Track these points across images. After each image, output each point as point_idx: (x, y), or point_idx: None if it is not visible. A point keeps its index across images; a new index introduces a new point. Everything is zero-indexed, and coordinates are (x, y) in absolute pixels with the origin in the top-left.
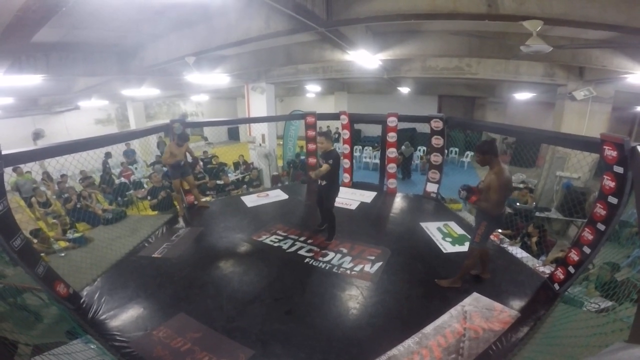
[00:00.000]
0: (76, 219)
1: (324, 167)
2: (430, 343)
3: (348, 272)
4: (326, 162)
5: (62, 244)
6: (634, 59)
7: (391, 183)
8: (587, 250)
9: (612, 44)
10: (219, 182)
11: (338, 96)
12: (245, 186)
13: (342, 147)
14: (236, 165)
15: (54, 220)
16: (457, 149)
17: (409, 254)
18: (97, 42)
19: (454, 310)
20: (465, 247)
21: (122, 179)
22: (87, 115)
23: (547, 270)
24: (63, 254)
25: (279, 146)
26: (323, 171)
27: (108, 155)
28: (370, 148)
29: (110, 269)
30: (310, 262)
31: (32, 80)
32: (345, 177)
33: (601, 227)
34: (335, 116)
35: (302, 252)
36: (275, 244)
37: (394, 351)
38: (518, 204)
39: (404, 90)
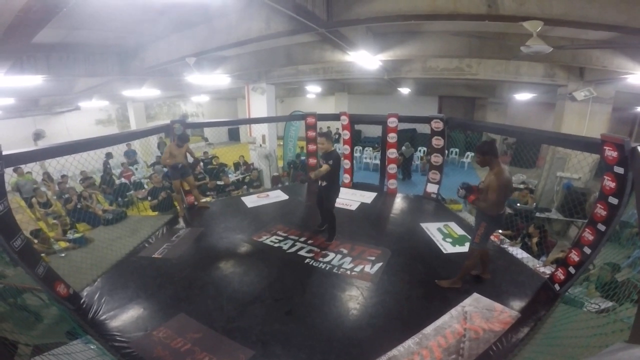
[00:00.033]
0: (76, 220)
1: (323, 167)
2: (431, 343)
3: (348, 272)
4: (326, 163)
5: (63, 244)
6: (634, 60)
7: (391, 184)
8: (587, 250)
9: (612, 45)
10: (219, 182)
11: (338, 97)
12: (245, 187)
13: (342, 148)
14: (236, 165)
15: (55, 221)
16: (457, 150)
17: (409, 255)
18: (97, 43)
19: (454, 311)
20: (465, 248)
21: (123, 180)
22: (87, 116)
23: (547, 270)
24: (63, 255)
25: (279, 147)
26: (323, 171)
27: (109, 155)
28: (371, 149)
29: (111, 270)
30: (310, 263)
31: (32, 80)
32: (346, 178)
33: (602, 227)
34: (336, 117)
35: (302, 252)
36: (276, 245)
37: (394, 352)
38: (518, 204)
39: (405, 90)
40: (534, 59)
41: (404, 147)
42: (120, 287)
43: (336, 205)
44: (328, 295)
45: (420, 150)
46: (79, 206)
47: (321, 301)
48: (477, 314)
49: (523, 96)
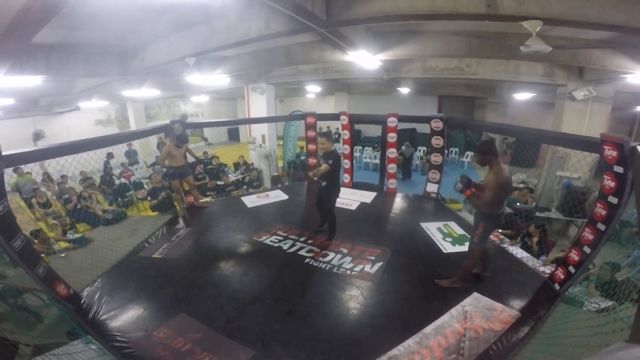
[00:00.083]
0: (76, 220)
1: (323, 166)
2: (431, 343)
3: (348, 272)
4: (326, 162)
5: (63, 244)
6: (634, 59)
7: (391, 183)
8: (587, 250)
9: (612, 44)
10: (219, 182)
11: (338, 97)
12: (245, 187)
13: (342, 148)
14: (236, 165)
15: (54, 221)
16: (457, 149)
17: (409, 254)
18: (97, 43)
19: (455, 310)
20: (465, 247)
21: (122, 180)
22: (87, 116)
23: (547, 270)
24: (63, 255)
25: (279, 147)
26: (322, 170)
27: (110, 155)
28: (371, 148)
29: (111, 270)
30: (310, 263)
31: (32, 81)
32: (346, 178)
33: (601, 226)
34: (335, 117)
35: (302, 252)
36: (276, 245)
37: (395, 351)
38: (518, 204)
39: (404, 90)
40: (534, 59)
41: (403, 147)
42: (120, 287)
43: (336, 205)
44: (328, 295)
45: (420, 150)
46: (78, 206)
47: (321, 301)
48: (477, 314)
49: (523, 96)
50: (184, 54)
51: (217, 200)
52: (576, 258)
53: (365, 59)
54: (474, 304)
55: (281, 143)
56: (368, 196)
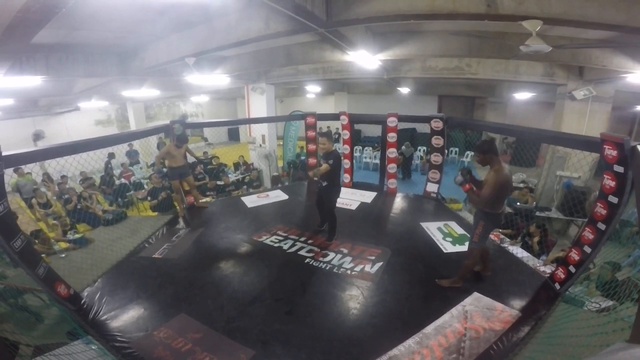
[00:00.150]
0: (76, 220)
1: (323, 166)
2: (431, 343)
3: (348, 272)
4: (326, 162)
5: (63, 244)
6: (634, 59)
7: (391, 183)
8: (587, 249)
9: (611, 44)
10: (219, 182)
11: (338, 96)
12: (245, 187)
13: (342, 148)
14: (236, 165)
15: (55, 221)
16: (457, 149)
17: (410, 254)
18: (97, 43)
19: (455, 310)
20: (465, 247)
21: (122, 180)
22: (87, 116)
23: (547, 269)
24: (63, 255)
25: (279, 147)
26: (322, 170)
27: (111, 156)
28: (371, 148)
29: (111, 270)
30: (310, 263)
31: (32, 81)
32: (346, 178)
33: (602, 226)
34: (335, 116)
35: (302, 252)
36: (276, 245)
37: (395, 351)
38: (518, 203)
39: (404, 90)
40: (534, 58)
41: (403, 147)
42: (120, 287)
43: (336, 205)
44: (328, 295)
45: (420, 150)
46: (78, 207)
47: (321, 301)
48: (478, 313)
49: (523, 95)
50: (183, 54)
51: (217, 201)
52: (576, 258)
53: (365, 58)
54: (475, 303)
55: (281, 143)
56: (368, 196)
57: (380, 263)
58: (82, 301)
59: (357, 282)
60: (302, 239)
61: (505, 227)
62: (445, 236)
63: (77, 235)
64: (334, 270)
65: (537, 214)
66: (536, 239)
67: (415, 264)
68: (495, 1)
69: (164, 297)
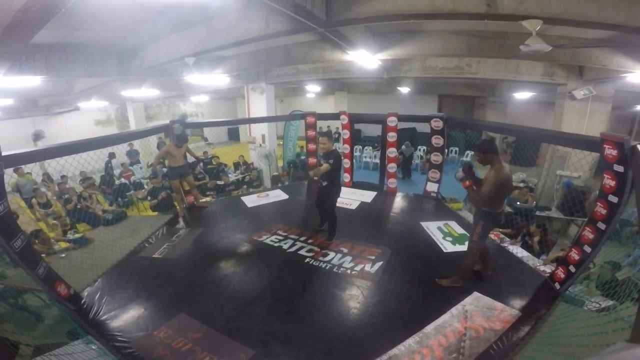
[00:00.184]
0: (76, 220)
1: (324, 166)
2: (431, 342)
3: (348, 271)
4: (327, 162)
5: (63, 244)
6: (634, 58)
7: (391, 183)
8: (587, 249)
9: (612, 43)
10: (219, 182)
11: (338, 96)
12: (245, 186)
13: (342, 147)
14: (236, 165)
15: (55, 221)
16: (457, 149)
17: (410, 254)
18: (97, 43)
19: (455, 310)
20: (465, 247)
21: (122, 180)
22: (87, 116)
23: (547, 269)
24: (64, 255)
25: (279, 146)
26: (323, 170)
27: (112, 155)
28: (371, 148)
29: (111, 270)
30: (310, 262)
31: (31, 81)
32: (346, 177)
33: (602, 226)
34: (335, 116)
35: (302, 252)
36: (276, 244)
37: (395, 351)
38: (518, 203)
39: (404, 90)
40: (534, 58)
41: (403, 146)
42: (120, 287)
43: (336, 204)
44: (328, 295)
45: (420, 149)
46: (78, 206)
47: (321, 300)
48: (478, 313)
49: (523, 95)
50: (183, 53)
51: (217, 200)
52: (576, 257)
53: (365, 58)
54: (475, 303)
55: (281, 143)
56: (368, 195)
57: (380, 262)
58: (82, 301)
59: (357, 281)
60: (302, 238)
61: (505, 226)
62: (445, 236)
63: (77, 235)
64: (334, 269)
65: (537, 213)
66: (536, 239)
67: (415, 264)
68: (495, 1)
69: (164, 296)
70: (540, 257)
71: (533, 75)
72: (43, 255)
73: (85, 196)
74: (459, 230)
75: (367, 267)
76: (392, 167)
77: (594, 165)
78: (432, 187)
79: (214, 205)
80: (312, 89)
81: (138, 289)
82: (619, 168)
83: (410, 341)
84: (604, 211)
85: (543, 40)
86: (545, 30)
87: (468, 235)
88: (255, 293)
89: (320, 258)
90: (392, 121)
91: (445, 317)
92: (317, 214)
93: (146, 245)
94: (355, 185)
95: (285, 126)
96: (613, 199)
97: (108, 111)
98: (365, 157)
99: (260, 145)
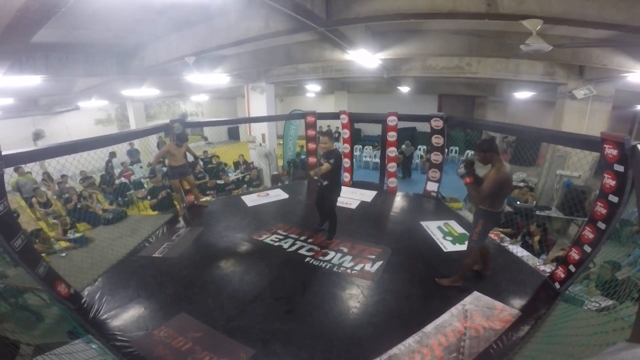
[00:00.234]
0: (77, 219)
1: (324, 165)
2: (431, 342)
3: (348, 271)
4: (327, 161)
5: (63, 244)
6: (634, 58)
7: (391, 182)
8: (587, 249)
9: (612, 43)
10: (219, 181)
11: (338, 95)
12: (245, 186)
13: (342, 147)
14: (236, 164)
15: (55, 221)
16: (457, 148)
17: (410, 253)
18: (97, 43)
19: (455, 309)
20: (465, 246)
21: (122, 179)
22: (87, 116)
23: (547, 269)
24: (64, 254)
25: (279, 146)
26: (323, 170)
27: (112, 155)
28: (371, 147)
29: (111, 269)
30: (310, 262)
31: (32, 80)
32: (346, 177)
33: (602, 225)
34: (335, 115)
35: (302, 251)
36: (276, 244)
37: (395, 350)
38: (518, 202)
39: (404, 89)
40: (534, 58)
41: (403, 146)
42: (120, 286)
43: (337, 203)
44: (328, 294)
45: (420, 149)
46: (79, 206)
47: (321, 300)
48: (478, 312)
49: (523, 94)
50: (183, 53)
51: (217, 200)
52: (576, 257)
53: (365, 57)
54: (475, 302)
55: (281, 142)
56: (368, 195)
57: (380, 262)
58: (83, 300)
59: (357, 281)
60: (302, 237)
61: (506, 226)
62: (445, 235)
63: (77, 235)
64: (334, 269)
65: (537, 213)
66: (537, 238)
67: (415, 263)
68: (495, 0)
69: (164, 296)
70: (540, 256)
71: (533, 74)
72: (43, 254)
73: (85, 195)
74: (459, 229)
75: (367, 267)
76: (392, 167)
77: (594, 165)
78: (432, 186)
79: (214, 205)
80: (312, 88)
81: (138, 289)
82: (619, 168)
83: (410, 340)
84: (604, 211)
85: (543, 39)
86: (546, 29)
87: (468, 234)
88: (255, 292)
89: (321, 257)
90: (392, 120)
91: (445, 317)
92: (317, 213)
93: (146, 244)
94: (355, 184)
95: (285, 125)
96: (613, 198)
97: (108, 110)
98: (366, 156)
99: (260, 144)
